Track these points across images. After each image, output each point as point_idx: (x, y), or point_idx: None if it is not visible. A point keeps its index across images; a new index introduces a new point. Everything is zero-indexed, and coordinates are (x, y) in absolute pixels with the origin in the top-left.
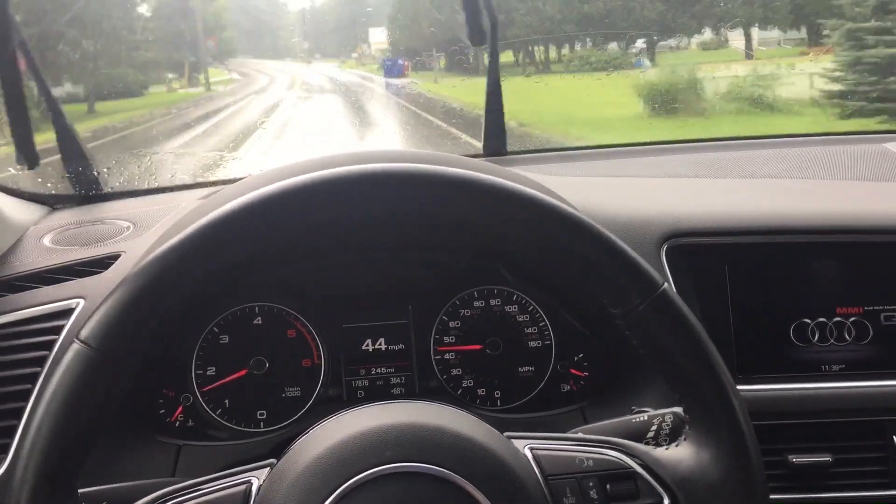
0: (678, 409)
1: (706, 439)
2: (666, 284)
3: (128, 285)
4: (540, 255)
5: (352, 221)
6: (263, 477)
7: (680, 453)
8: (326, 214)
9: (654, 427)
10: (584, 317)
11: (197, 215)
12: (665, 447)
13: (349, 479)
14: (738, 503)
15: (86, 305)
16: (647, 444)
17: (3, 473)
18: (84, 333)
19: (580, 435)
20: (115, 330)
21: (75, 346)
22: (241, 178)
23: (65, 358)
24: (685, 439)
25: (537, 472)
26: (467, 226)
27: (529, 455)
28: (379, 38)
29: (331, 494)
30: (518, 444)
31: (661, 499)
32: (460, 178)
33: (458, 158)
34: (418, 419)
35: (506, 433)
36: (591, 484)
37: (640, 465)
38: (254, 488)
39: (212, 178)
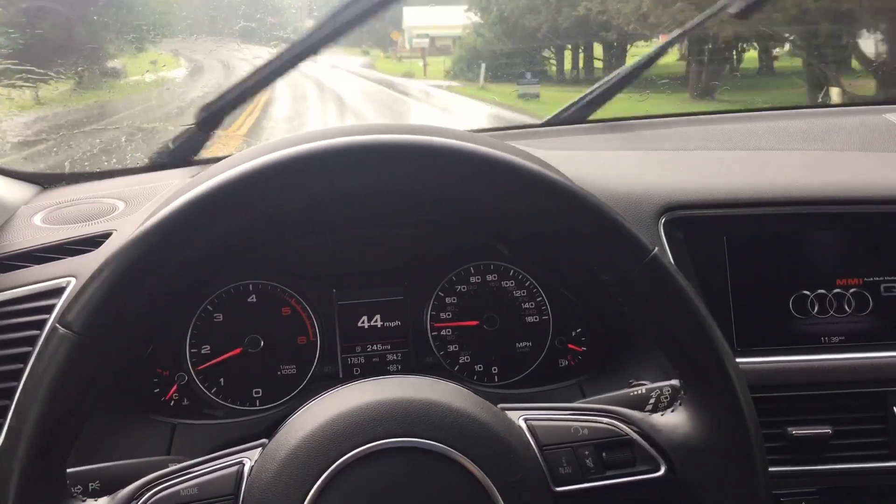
0: (676, 382)
1: (701, 404)
2: (657, 249)
3: (108, 268)
4: (530, 225)
5: (342, 196)
6: (255, 457)
7: (675, 419)
8: (315, 189)
9: (651, 400)
10: (580, 290)
11: (179, 194)
12: (661, 413)
13: (342, 456)
14: (736, 467)
15: (77, 284)
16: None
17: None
18: (67, 318)
19: (575, 404)
20: (97, 314)
21: (59, 330)
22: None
23: (48, 343)
24: (680, 405)
25: (532, 442)
26: (454, 196)
27: (524, 426)
28: (421, 20)
29: (323, 472)
30: (512, 415)
31: (658, 465)
32: (441, 146)
33: (447, 130)
34: (409, 394)
35: (500, 405)
36: (586, 452)
37: (635, 432)
38: (246, 469)
39: (205, 156)
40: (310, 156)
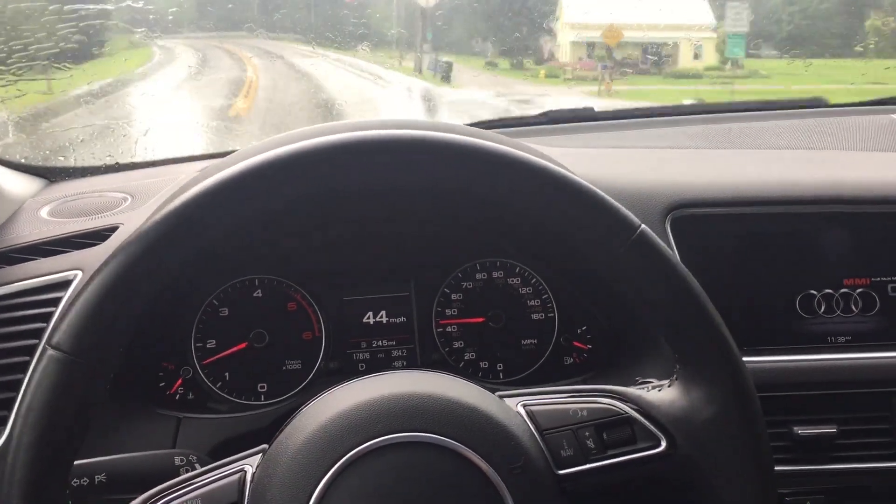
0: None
1: (697, 376)
2: (644, 226)
3: (96, 283)
4: (522, 215)
5: (346, 193)
6: (256, 463)
7: (672, 394)
8: (320, 185)
9: None
10: (584, 285)
11: (183, 190)
12: (658, 389)
13: (343, 456)
14: (736, 436)
15: (83, 277)
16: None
17: (2, 445)
18: (57, 338)
19: (571, 386)
20: (89, 331)
21: (49, 352)
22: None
23: (40, 366)
24: (676, 379)
25: (532, 428)
26: (443, 187)
27: (523, 412)
28: (579, 16)
29: (326, 473)
30: (510, 402)
31: (659, 441)
32: (432, 140)
33: (441, 124)
34: (406, 388)
35: (497, 392)
36: (587, 434)
37: (634, 409)
38: (248, 476)
39: (212, 150)
40: (321, 150)
